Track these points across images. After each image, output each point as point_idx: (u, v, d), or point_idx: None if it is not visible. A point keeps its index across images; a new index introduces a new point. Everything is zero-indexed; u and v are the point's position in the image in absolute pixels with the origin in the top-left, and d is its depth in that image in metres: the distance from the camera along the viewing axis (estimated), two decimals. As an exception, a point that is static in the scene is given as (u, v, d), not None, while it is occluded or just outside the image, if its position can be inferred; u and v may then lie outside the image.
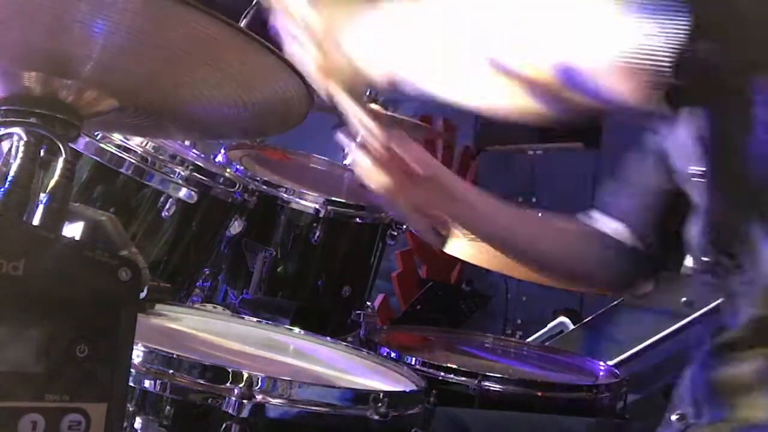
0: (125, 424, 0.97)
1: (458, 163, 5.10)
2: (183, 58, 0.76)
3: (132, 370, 0.98)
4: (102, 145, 1.56)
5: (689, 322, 2.53)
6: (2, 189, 0.75)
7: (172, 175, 1.61)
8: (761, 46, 0.80)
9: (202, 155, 1.83)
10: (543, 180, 4.74)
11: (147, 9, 0.69)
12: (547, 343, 2.88)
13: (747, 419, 0.87)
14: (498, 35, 0.82)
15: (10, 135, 0.76)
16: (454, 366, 1.59)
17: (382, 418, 1.04)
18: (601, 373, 1.89)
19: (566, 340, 2.93)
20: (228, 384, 1.01)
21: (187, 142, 1.83)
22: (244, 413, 0.99)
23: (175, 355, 1.04)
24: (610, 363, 2.22)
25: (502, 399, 1.53)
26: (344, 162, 2.34)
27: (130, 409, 1.00)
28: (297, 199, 1.95)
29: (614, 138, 4.43)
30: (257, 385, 1.01)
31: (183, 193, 1.61)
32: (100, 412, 0.67)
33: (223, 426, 0.99)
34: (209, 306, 1.57)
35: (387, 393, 1.08)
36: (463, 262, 1.89)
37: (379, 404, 1.05)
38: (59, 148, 0.77)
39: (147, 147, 1.59)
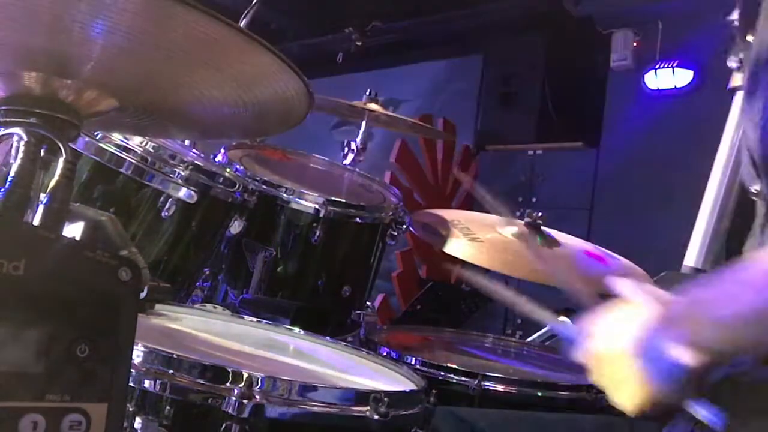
0: (125, 424, 0.97)
1: (458, 163, 5.11)
2: (183, 58, 0.76)
3: (132, 370, 0.98)
4: (102, 145, 1.56)
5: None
6: (2, 189, 0.75)
7: (172, 175, 1.61)
8: None
9: (202, 155, 1.82)
10: (543, 180, 4.75)
11: (147, 9, 0.69)
12: (547, 343, 2.87)
13: None
14: None
15: (10, 135, 0.76)
16: (454, 366, 1.59)
17: (382, 417, 1.04)
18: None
19: (566, 339, 2.92)
20: (228, 384, 1.01)
21: (187, 142, 1.82)
22: (244, 413, 0.99)
23: (175, 355, 1.04)
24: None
25: (502, 399, 1.53)
26: (344, 162, 2.34)
27: (130, 409, 1.00)
28: (297, 199, 1.95)
29: (614, 138, 4.44)
30: (257, 385, 1.01)
31: (183, 193, 1.60)
32: (101, 412, 0.67)
33: (223, 426, 0.99)
34: (209, 306, 1.57)
35: (387, 393, 1.08)
36: (463, 262, 1.88)
37: (379, 404, 1.05)
38: (59, 148, 0.77)
39: (147, 147, 1.59)
